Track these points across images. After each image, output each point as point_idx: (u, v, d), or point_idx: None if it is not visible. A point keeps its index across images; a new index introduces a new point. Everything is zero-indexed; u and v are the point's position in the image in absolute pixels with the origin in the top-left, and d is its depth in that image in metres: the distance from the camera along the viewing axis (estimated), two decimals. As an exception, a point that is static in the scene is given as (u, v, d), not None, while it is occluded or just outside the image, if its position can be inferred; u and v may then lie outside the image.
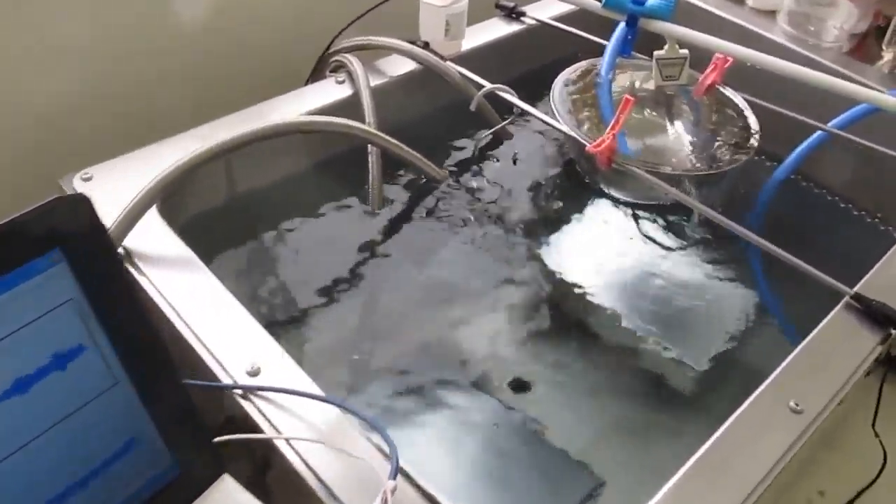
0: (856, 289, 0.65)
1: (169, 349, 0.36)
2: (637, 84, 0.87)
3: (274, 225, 0.78)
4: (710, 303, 0.77)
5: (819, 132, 0.85)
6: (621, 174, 0.76)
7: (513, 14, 1.00)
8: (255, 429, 0.52)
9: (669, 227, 0.83)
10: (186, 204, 0.74)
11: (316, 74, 0.91)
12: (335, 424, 0.51)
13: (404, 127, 0.84)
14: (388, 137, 0.77)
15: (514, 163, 0.89)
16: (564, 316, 0.76)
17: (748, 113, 0.85)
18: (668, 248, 0.81)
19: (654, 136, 0.82)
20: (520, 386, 0.68)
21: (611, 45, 0.84)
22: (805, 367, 0.59)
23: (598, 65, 0.85)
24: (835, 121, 0.84)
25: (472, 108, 0.84)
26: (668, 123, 0.83)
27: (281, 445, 0.50)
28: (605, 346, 0.73)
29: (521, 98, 0.84)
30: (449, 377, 0.67)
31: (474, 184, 0.86)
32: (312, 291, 0.72)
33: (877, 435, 0.65)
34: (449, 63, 0.87)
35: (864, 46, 0.99)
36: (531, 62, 1.00)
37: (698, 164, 0.79)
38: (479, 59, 0.92)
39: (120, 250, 0.63)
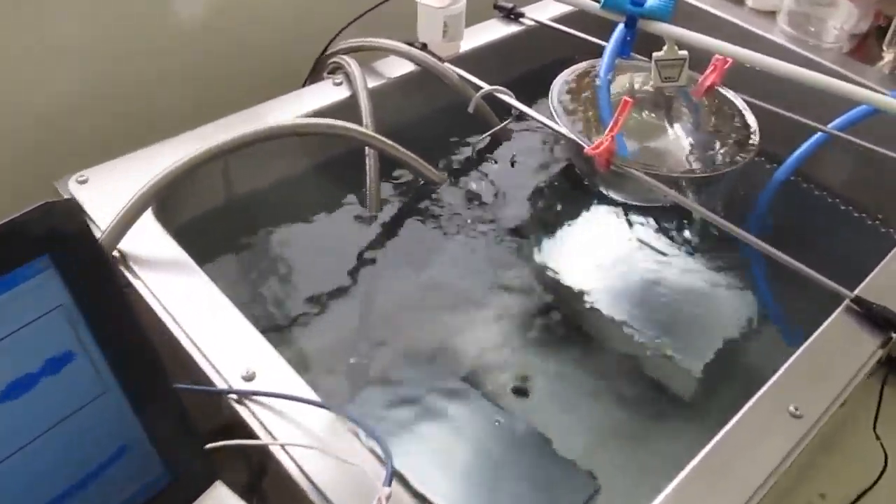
0: (856, 292, 0.65)
1: (160, 355, 0.36)
2: (636, 85, 0.86)
3: (270, 228, 0.78)
4: (709, 306, 0.76)
5: (819, 133, 0.84)
6: (620, 176, 0.75)
7: (511, 15, 0.99)
8: (251, 434, 0.51)
9: (669, 230, 0.83)
10: (182, 207, 0.74)
11: (314, 76, 0.91)
12: (331, 430, 0.51)
13: (402, 129, 0.84)
14: (385, 139, 0.77)
15: (513, 165, 0.89)
16: (563, 318, 0.75)
17: (748, 114, 0.84)
18: (668, 251, 0.81)
19: (653, 137, 0.81)
20: (518, 390, 0.67)
21: (609, 46, 0.83)
22: (805, 372, 0.58)
23: (597, 66, 0.84)
24: (835, 122, 0.84)
25: (471, 109, 0.84)
26: (667, 125, 0.82)
27: (276, 451, 0.49)
28: (604, 350, 0.73)
29: (519, 99, 0.83)
30: (447, 381, 0.67)
31: (472, 186, 0.85)
32: (309, 295, 0.72)
33: (878, 437, 0.65)
34: (447, 64, 0.86)
35: (864, 47, 0.99)
36: (530, 63, 0.99)
37: (697, 166, 0.78)
38: (477, 60, 0.92)
39: (115, 253, 0.63)
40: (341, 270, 0.74)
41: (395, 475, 0.47)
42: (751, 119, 0.84)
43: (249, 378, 0.54)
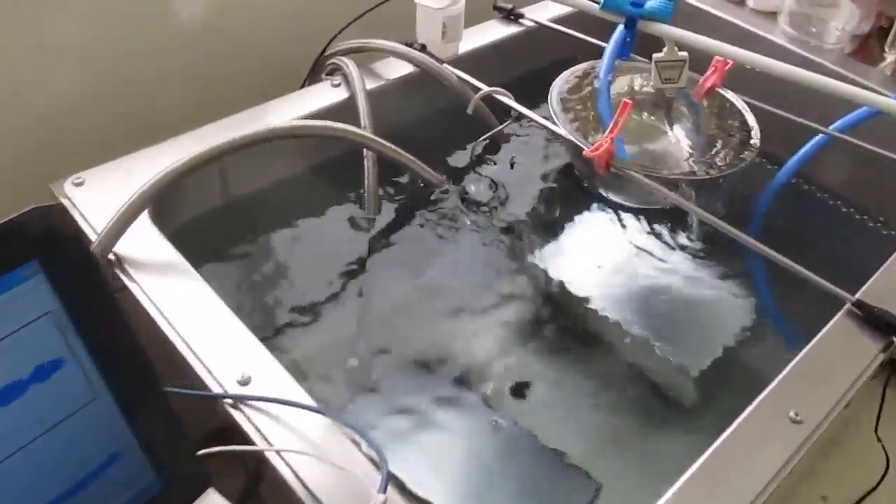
0: (857, 295, 0.64)
1: (152, 361, 0.35)
2: (636, 87, 0.86)
3: (268, 230, 0.77)
4: (709, 309, 0.76)
5: (820, 135, 0.84)
6: (620, 178, 0.75)
7: (511, 16, 0.99)
8: (246, 439, 0.51)
9: (669, 232, 0.82)
10: (179, 209, 0.74)
11: (312, 77, 0.90)
12: (326, 435, 0.51)
13: (401, 130, 0.83)
14: (383, 141, 0.76)
15: (512, 166, 0.89)
16: (562, 321, 0.75)
17: (748, 116, 0.84)
18: (667, 253, 0.80)
19: (654, 139, 0.81)
20: (517, 392, 0.67)
21: (609, 47, 0.83)
22: (805, 377, 0.58)
23: (597, 67, 0.84)
24: (836, 124, 0.83)
25: (470, 111, 0.83)
26: (667, 127, 0.82)
27: (271, 456, 0.49)
28: (604, 353, 0.72)
29: (519, 101, 0.83)
30: (445, 385, 0.67)
31: (471, 188, 0.85)
32: (306, 298, 0.71)
33: (879, 440, 0.64)
34: (446, 65, 0.86)
35: (866, 48, 0.98)
36: (530, 64, 0.99)
37: (697, 168, 0.78)
38: (476, 61, 0.91)
39: (111, 256, 0.62)
40: (339, 273, 0.74)
41: (390, 481, 0.46)
42: (751, 120, 0.83)
43: (245, 382, 0.54)
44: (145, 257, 0.63)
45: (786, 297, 0.77)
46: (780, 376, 0.58)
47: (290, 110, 0.80)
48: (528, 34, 0.98)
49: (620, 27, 0.81)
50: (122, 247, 0.62)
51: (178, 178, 0.64)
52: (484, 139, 0.88)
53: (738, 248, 0.69)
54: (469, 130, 0.88)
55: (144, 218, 0.65)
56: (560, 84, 0.85)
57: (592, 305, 0.75)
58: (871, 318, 0.62)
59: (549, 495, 0.60)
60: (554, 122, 0.80)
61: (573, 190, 0.88)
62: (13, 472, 0.34)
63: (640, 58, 0.85)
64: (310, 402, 0.53)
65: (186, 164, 0.64)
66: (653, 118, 0.83)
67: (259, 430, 0.51)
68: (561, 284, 0.77)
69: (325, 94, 0.83)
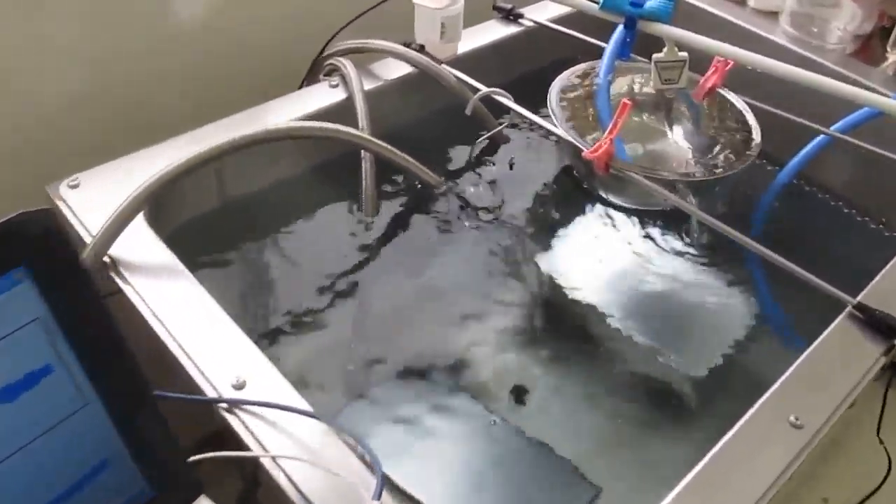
0: (859, 298, 0.63)
1: (141, 368, 0.35)
2: (636, 87, 0.85)
3: (264, 233, 0.77)
4: (709, 311, 0.75)
5: (822, 136, 0.83)
6: (620, 179, 0.74)
7: (510, 16, 0.98)
8: (239, 444, 0.50)
9: (669, 234, 0.82)
10: (175, 211, 0.73)
11: (310, 78, 0.90)
12: (321, 441, 0.50)
13: (399, 131, 0.83)
14: (381, 143, 0.76)
15: (511, 167, 0.88)
16: (561, 323, 0.75)
17: (749, 116, 0.83)
18: (667, 255, 0.80)
19: (653, 140, 0.80)
20: (516, 396, 0.66)
21: (609, 47, 0.82)
22: (806, 380, 0.57)
23: (597, 68, 0.83)
24: (838, 124, 0.83)
25: (468, 112, 0.83)
26: (667, 128, 0.81)
27: (266, 462, 0.49)
28: (603, 356, 0.72)
29: (518, 101, 0.82)
30: (443, 388, 0.66)
31: (470, 189, 0.84)
32: (303, 301, 0.71)
33: (881, 442, 0.63)
34: (444, 66, 0.85)
35: (868, 48, 0.98)
36: (529, 65, 0.98)
37: (698, 169, 0.77)
38: (476, 61, 0.91)
39: (106, 259, 0.62)
40: (336, 276, 0.74)
41: (387, 486, 0.46)
42: (752, 121, 0.82)
43: (240, 387, 0.53)
44: (141, 260, 0.63)
45: (787, 299, 0.77)
46: (781, 380, 0.57)
47: (288, 111, 0.79)
48: (527, 34, 0.97)
49: (620, 27, 0.80)
50: (118, 249, 0.62)
51: (173, 180, 0.64)
52: (483, 140, 0.87)
53: (739, 249, 0.69)
54: (468, 131, 0.88)
55: (140, 220, 0.65)
56: (559, 85, 0.84)
57: (592, 308, 0.74)
58: (872, 321, 0.62)
59: (548, 500, 0.60)
60: (553, 123, 0.79)
61: (572, 191, 0.88)
62: (2, 480, 0.33)
63: (640, 58, 0.84)
64: (305, 406, 0.52)
65: (181, 166, 0.64)
66: (653, 119, 0.82)
67: (253, 435, 0.50)
68: (560, 286, 0.76)
69: (323, 94, 0.83)
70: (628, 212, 0.83)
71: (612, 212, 0.84)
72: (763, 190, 0.87)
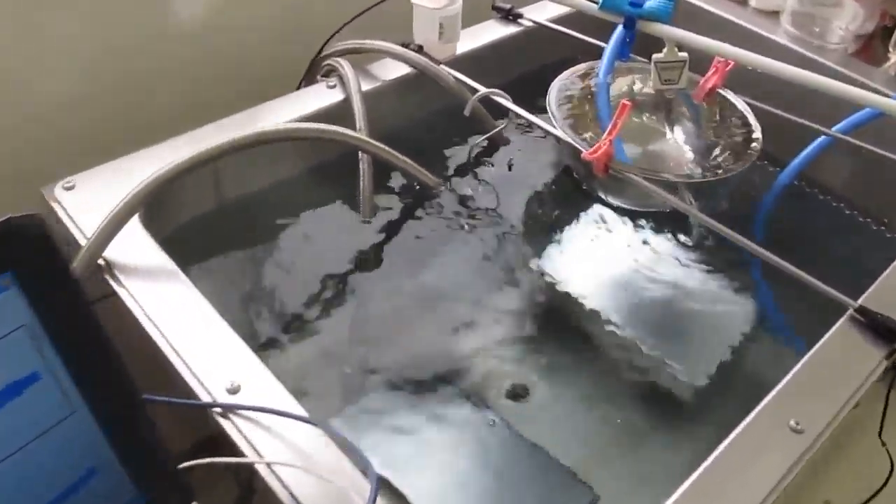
0: (860, 301, 0.63)
1: (130, 374, 0.34)
2: (636, 88, 0.84)
3: (261, 235, 0.76)
4: (709, 314, 0.75)
5: (823, 136, 0.83)
6: (619, 180, 0.74)
7: (510, 16, 0.98)
8: (232, 449, 0.50)
9: (668, 235, 0.81)
10: (171, 213, 0.73)
11: (308, 78, 0.89)
12: (316, 446, 0.50)
13: (397, 132, 0.83)
14: (379, 144, 0.75)
15: (510, 169, 0.87)
16: (560, 326, 0.74)
17: (750, 117, 0.82)
18: (668, 257, 0.79)
19: (653, 141, 0.80)
20: (515, 397, 0.66)
21: (609, 48, 0.82)
22: (806, 385, 0.57)
23: (596, 68, 0.83)
24: (839, 125, 0.82)
25: (467, 112, 0.82)
26: (667, 129, 0.81)
27: (258, 469, 0.48)
28: (602, 358, 0.71)
29: (518, 102, 0.81)
30: (441, 391, 0.66)
31: (469, 190, 0.84)
32: (299, 304, 0.70)
33: (884, 444, 0.63)
34: (443, 66, 0.85)
35: (870, 48, 0.97)
36: (528, 65, 0.98)
37: (698, 171, 0.77)
38: (475, 62, 0.90)
39: (100, 261, 0.61)
40: (333, 279, 0.73)
41: (383, 491, 0.46)
42: (753, 122, 0.82)
43: (234, 391, 0.53)
44: (136, 262, 0.62)
45: (787, 302, 0.76)
46: (781, 384, 0.56)
47: (286, 112, 0.79)
48: (526, 34, 0.97)
49: (620, 27, 0.79)
50: (113, 252, 0.62)
51: (168, 182, 0.63)
52: (481, 141, 0.87)
53: (739, 251, 0.68)
54: (467, 132, 0.87)
55: (135, 222, 0.64)
56: (559, 85, 0.84)
57: (591, 310, 0.74)
58: (873, 325, 0.61)
59: (547, 500, 0.59)
60: (552, 124, 0.79)
61: (572, 192, 0.87)
62: (-11, 489, 0.33)
63: (640, 58, 0.84)
64: (300, 411, 0.52)
65: (176, 167, 0.63)
66: (653, 120, 0.82)
67: (247, 440, 0.50)
68: (559, 288, 0.76)
69: (321, 95, 0.82)
70: (628, 213, 0.83)
71: (611, 213, 0.83)
72: (764, 191, 0.86)
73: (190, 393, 0.53)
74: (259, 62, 0.93)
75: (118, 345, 0.64)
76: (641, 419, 0.65)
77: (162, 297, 0.59)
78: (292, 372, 0.64)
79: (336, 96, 0.82)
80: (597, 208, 0.84)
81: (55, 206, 0.66)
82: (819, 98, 0.70)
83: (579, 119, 0.81)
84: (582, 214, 0.84)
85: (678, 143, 0.80)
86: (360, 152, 0.77)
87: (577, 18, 0.93)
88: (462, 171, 0.86)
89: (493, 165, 0.87)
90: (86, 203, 0.66)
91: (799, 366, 0.58)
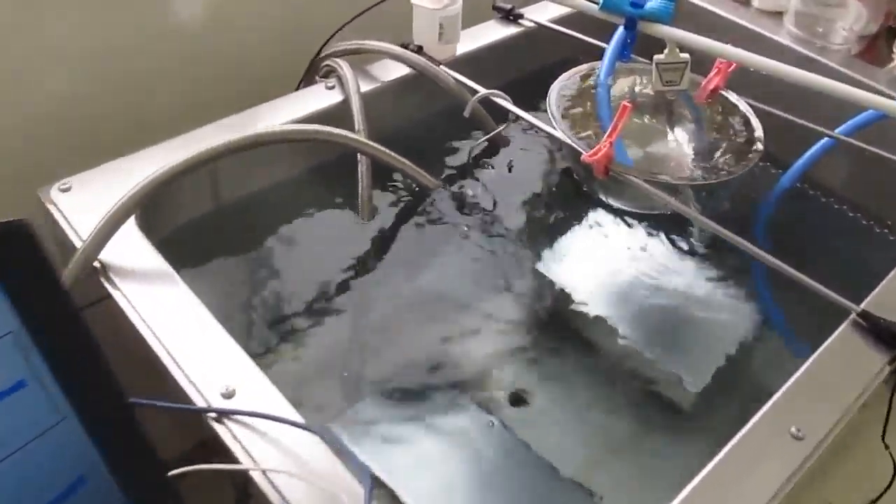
0: (862, 306, 0.62)
1: (119, 381, 0.34)
2: (637, 89, 0.84)
3: (258, 237, 0.76)
4: (710, 317, 0.74)
5: (826, 138, 0.82)
6: (620, 182, 0.73)
7: (510, 16, 0.97)
8: (228, 454, 0.49)
9: (670, 238, 0.80)
10: (168, 216, 0.72)
11: (308, 79, 0.89)
12: (312, 452, 0.49)
13: (396, 133, 0.82)
14: (377, 146, 0.75)
15: (510, 170, 0.87)
16: (560, 329, 0.73)
17: (752, 119, 0.82)
18: (669, 260, 0.78)
19: (654, 143, 0.79)
20: (514, 403, 0.65)
21: (610, 48, 0.81)
22: (807, 391, 0.56)
23: (597, 69, 0.82)
24: (842, 127, 0.81)
25: (466, 114, 0.82)
26: (668, 130, 0.80)
27: (251, 475, 0.48)
28: (602, 362, 0.71)
29: (518, 103, 0.81)
30: (441, 396, 0.65)
31: (468, 192, 0.83)
32: (297, 308, 0.70)
33: (887, 447, 0.62)
34: (442, 67, 0.84)
35: (873, 48, 0.96)
36: (529, 66, 0.97)
37: (699, 173, 0.76)
38: (475, 62, 0.90)
39: (96, 264, 0.61)
40: (331, 281, 0.73)
41: (382, 496, 0.45)
42: (755, 123, 0.81)
43: (229, 395, 0.53)
44: (131, 265, 0.62)
45: (789, 305, 0.75)
46: (782, 390, 0.56)
47: (284, 113, 0.78)
48: (527, 35, 0.96)
49: (621, 28, 0.79)
50: (108, 254, 0.61)
51: (164, 184, 0.63)
52: (481, 142, 0.86)
53: (741, 254, 0.68)
54: (466, 133, 0.87)
55: (131, 225, 0.64)
56: (559, 86, 0.83)
57: (591, 312, 0.73)
58: (876, 330, 0.60)
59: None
60: (552, 126, 0.78)
61: (572, 194, 0.86)
62: (-24, 497, 0.32)
63: (641, 59, 0.83)
64: (295, 415, 0.51)
65: (172, 170, 0.63)
66: (654, 121, 0.81)
67: (242, 446, 0.49)
68: (559, 291, 0.75)
69: (320, 96, 0.82)
70: (629, 215, 0.82)
71: (612, 215, 0.82)
72: (766, 193, 0.85)
73: (184, 397, 0.53)
74: (258, 62, 0.92)
75: (113, 349, 0.63)
76: (641, 425, 0.65)
77: (157, 300, 0.59)
78: (289, 376, 0.64)
79: (335, 97, 0.81)
80: (597, 211, 0.83)
81: (51, 207, 0.66)
82: (822, 99, 0.69)
83: (580, 120, 0.80)
84: (582, 217, 0.83)
85: (679, 144, 0.79)
86: (358, 154, 0.76)
87: (578, 19, 0.93)
88: (462, 172, 0.85)
89: (492, 167, 0.87)
90: (81, 205, 0.65)
91: (800, 372, 0.57)
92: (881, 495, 0.62)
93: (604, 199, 0.83)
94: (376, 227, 0.78)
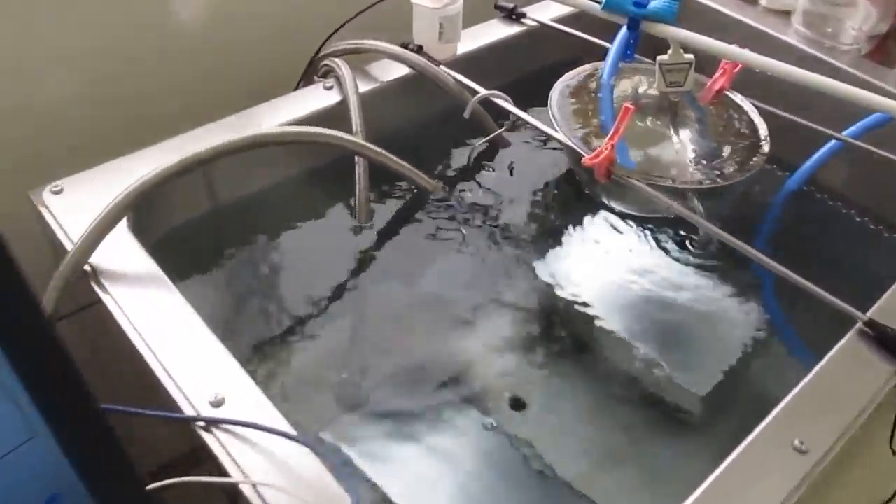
0: (869, 314, 0.61)
1: (95, 394, 0.33)
2: (640, 90, 0.82)
3: (253, 241, 0.75)
4: (713, 324, 0.73)
5: (834, 140, 0.80)
6: (623, 185, 0.72)
7: (513, 15, 0.95)
8: (216, 463, 0.48)
9: (672, 242, 0.79)
10: (161, 219, 0.71)
11: (307, 79, 0.88)
12: (300, 464, 0.48)
13: (395, 135, 0.81)
14: (375, 148, 0.73)
15: (511, 172, 0.86)
16: (560, 334, 0.72)
17: (758, 120, 0.80)
18: (671, 264, 0.77)
19: (658, 145, 0.77)
20: (514, 410, 0.64)
21: (613, 48, 0.79)
22: (811, 402, 0.55)
23: (599, 69, 0.81)
24: (850, 129, 0.80)
25: (466, 115, 0.80)
26: (672, 132, 0.78)
27: (243, 488, 0.47)
28: (603, 368, 0.70)
29: (519, 104, 0.80)
30: (439, 403, 0.64)
31: (468, 195, 0.82)
32: (291, 314, 0.69)
33: (894, 453, 0.61)
34: (442, 67, 0.83)
35: (883, 49, 0.95)
36: (531, 66, 0.96)
37: (704, 176, 0.74)
38: (476, 62, 0.89)
39: (86, 267, 0.60)
40: (327, 286, 0.71)
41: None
42: (761, 125, 0.80)
43: (218, 404, 0.52)
44: (122, 269, 0.61)
45: (795, 312, 0.74)
46: (785, 402, 0.54)
47: (282, 114, 0.77)
48: (529, 35, 0.95)
49: (624, 28, 0.77)
50: (99, 258, 0.60)
51: (156, 186, 0.62)
52: (481, 144, 0.85)
53: (745, 259, 0.66)
54: (467, 135, 0.86)
55: (123, 228, 0.63)
56: (561, 87, 0.82)
57: (593, 318, 0.72)
58: (883, 339, 0.59)
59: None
60: (553, 127, 0.77)
61: (574, 197, 0.85)
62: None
63: (645, 59, 0.82)
64: (285, 425, 0.50)
65: (165, 171, 0.62)
66: (657, 123, 0.79)
67: (231, 456, 0.48)
68: (560, 296, 0.74)
69: (318, 96, 0.81)
70: (631, 219, 0.81)
71: (614, 219, 0.81)
72: (772, 197, 0.84)
73: (172, 405, 0.52)
74: (257, 62, 0.91)
75: (103, 354, 0.63)
76: (642, 434, 0.64)
77: (147, 305, 0.58)
78: (280, 384, 0.63)
79: (333, 97, 0.80)
80: (599, 214, 0.82)
81: (42, 210, 0.65)
82: (830, 100, 0.68)
83: (582, 122, 0.79)
84: (584, 220, 0.82)
85: (683, 147, 0.77)
86: (356, 156, 0.75)
87: (581, 18, 0.91)
88: (461, 174, 0.84)
89: (493, 169, 0.85)
90: (73, 207, 0.65)
91: (804, 382, 0.56)
92: (888, 501, 0.60)
93: (606, 202, 0.82)
94: (374, 231, 0.76)
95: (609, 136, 0.70)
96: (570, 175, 0.86)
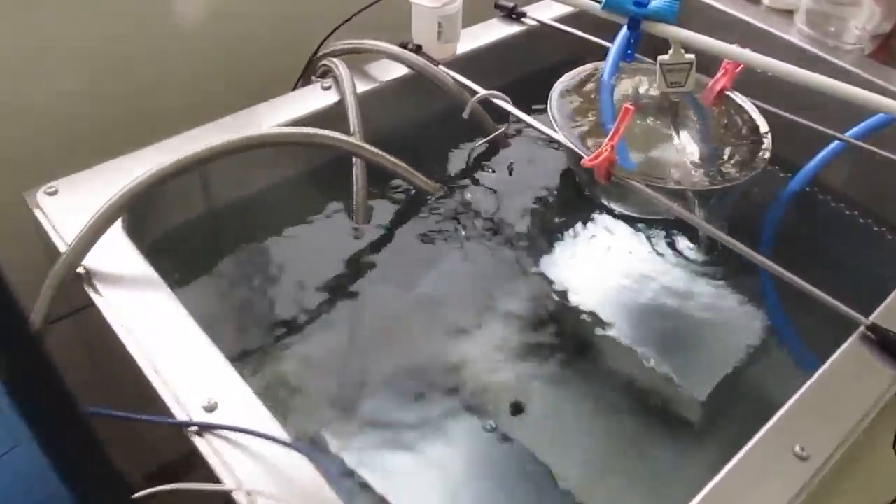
0: (872, 318, 0.60)
1: (78, 401, 0.32)
2: (641, 90, 0.82)
3: (249, 243, 0.74)
4: (713, 327, 0.72)
5: (836, 141, 0.79)
6: (623, 187, 0.71)
7: (513, 15, 0.95)
8: (208, 469, 0.48)
9: (673, 244, 0.78)
10: (156, 220, 0.71)
11: (305, 79, 0.87)
12: (293, 470, 0.48)
13: (394, 135, 0.80)
14: (374, 149, 0.73)
15: (510, 173, 0.85)
16: (560, 337, 0.71)
17: (760, 121, 0.80)
18: (672, 266, 0.76)
19: (658, 146, 0.77)
20: (514, 414, 0.64)
21: (613, 48, 0.79)
22: (813, 408, 0.54)
23: (600, 69, 0.80)
24: (853, 130, 0.79)
25: (465, 115, 0.80)
26: (673, 133, 0.78)
27: (234, 495, 0.46)
28: (602, 371, 0.69)
29: (519, 104, 0.79)
30: (435, 406, 0.64)
31: (467, 196, 0.81)
32: (287, 317, 0.68)
33: (898, 455, 0.60)
34: (441, 67, 0.82)
35: (887, 48, 0.94)
36: (531, 66, 0.95)
37: (705, 178, 0.74)
38: (475, 62, 0.88)
39: (80, 270, 0.60)
40: (324, 289, 0.71)
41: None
42: (763, 126, 0.79)
43: (211, 409, 0.51)
44: (116, 272, 0.60)
45: (797, 315, 0.73)
46: (786, 407, 0.54)
47: (279, 114, 0.77)
48: (529, 34, 0.94)
49: (624, 28, 0.77)
50: (92, 259, 0.60)
51: (151, 187, 0.61)
52: (481, 144, 0.84)
53: (747, 261, 0.65)
54: (466, 135, 0.85)
55: (118, 230, 0.62)
56: (560, 87, 0.81)
57: (593, 320, 0.71)
58: (886, 343, 0.58)
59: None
60: (553, 128, 0.76)
61: (574, 198, 0.84)
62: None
63: (646, 59, 0.81)
64: (279, 433, 0.49)
65: (159, 173, 0.62)
66: (658, 124, 0.79)
67: (223, 462, 0.48)
68: (559, 299, 0.73)
69: (316, 97, 0.80)
70: (631, 220, 0.80)
71: (614, 220, 0.80)
72: (774, 198, 0.83)
73: (165, 409, 0.51)
74: (255, 62, 0.91)
75: (97, 357, 0.62)
76: (642, 438, 0.63)
77: (141, 308, 0.57)
78: (275, 389, 0.62)
79: (331, 98, 0.79)
80: (599, 215, 0.81)
81: (36, 211, 0.64)
82: (833, 100, 0.67)
83: (583, 122, 0.78)
84: (584, 222, 0.81)
85: (684, 148, 0.77)
86: (353, 157, 0.74)
87: (582, 18, 0.90)
88: (460, 175, 0.84)
89: (492, 170, 0.85)
90: (68, 208, 0.64)
91: (805, 387, 0.55)
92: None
93: (606, 203, 0.81)
94: (372, 232, 0.76)
95: (609, 136, 0.70)
96: (569, 176, 0.85)
